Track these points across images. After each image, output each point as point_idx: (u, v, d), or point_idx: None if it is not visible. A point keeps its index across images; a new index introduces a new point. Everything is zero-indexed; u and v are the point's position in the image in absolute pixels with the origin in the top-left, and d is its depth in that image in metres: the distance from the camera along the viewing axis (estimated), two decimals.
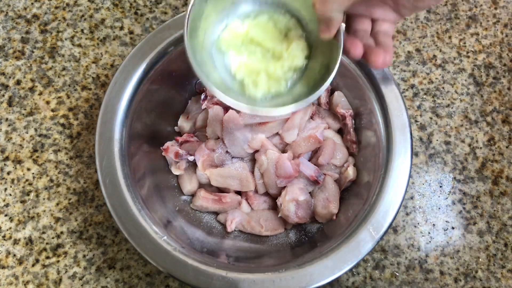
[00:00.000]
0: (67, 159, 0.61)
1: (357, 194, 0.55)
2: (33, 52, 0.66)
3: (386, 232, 0.47)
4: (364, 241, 0.47)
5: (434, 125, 0.65)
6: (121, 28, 0.68)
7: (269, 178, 0.55)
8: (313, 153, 0.58)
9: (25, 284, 0.56)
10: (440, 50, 0.69)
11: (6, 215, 0.58)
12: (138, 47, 0.54)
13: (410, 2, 0.42)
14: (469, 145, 0.64)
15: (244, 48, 0.47)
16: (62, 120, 0.63)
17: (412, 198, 0.62)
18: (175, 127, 0.62)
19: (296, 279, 0.46)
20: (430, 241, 0.60)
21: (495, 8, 0.72)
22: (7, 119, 0.63)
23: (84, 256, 0.57)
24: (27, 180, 0.60)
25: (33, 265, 0.57)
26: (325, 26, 0.41)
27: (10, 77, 0.65)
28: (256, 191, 0.57)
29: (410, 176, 0.50)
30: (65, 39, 0.67)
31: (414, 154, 0.63)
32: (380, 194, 0.49)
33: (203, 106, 0.59)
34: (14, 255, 0.57)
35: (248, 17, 0.47)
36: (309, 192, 0.56)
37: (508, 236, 0.61)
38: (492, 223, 0.61)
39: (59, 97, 0.64)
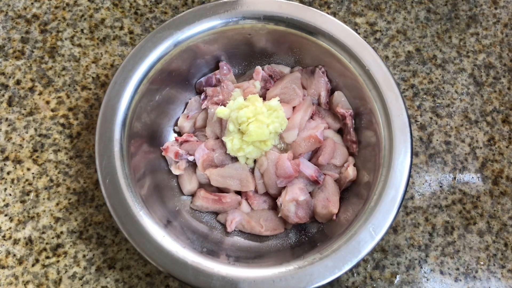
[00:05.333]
0: (67, 159, 0.61)
1: (357, 194, 0.55)
2: (33, 52, 0.66)
3: (386, 232, 0.47)
4: (364, 241, 0.47)
5: (434, 125, 0.65)
6: (121, 28, 0.68)
7: (269, 178, 0.55)
8: (313, 153, 0.58)
9: (25, 284, 0.56)
10: (440, 50, 0.69)
11: (6, 215, 0.58)
12: (138, 47, 0.54)
13: None
14: (469, 145, 0.64)
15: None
16: (62, 120, 0.63)
17: (412, 198, 0.62)
18: (175, 127, 0.62)
19: (296, 279, 0.46)
20: (430, 241, 0.60)
21: (495, 8, 0.72)
22: (7, 119, 0.63)
23: (84, 256, 0.57)
24: (27, 180, 0.60)
25: (33, 265, 0.57)
26: None
27: (10, 77, 0.65)
28: (256, 191, 0.57)
29: (410, 176, 0.50)
30: (65, 39, 0.67)
31: (414, 154, 0.63)
32: (380, 194, 0.49)
33: (203, 106, 0.60)
34: (14, 255, 0.57)
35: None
36: (309, 192, 0.56)
37: (508, 236, 0.60)
38: (492, 223, 0.61)
39: (59, 97, 0.64)
